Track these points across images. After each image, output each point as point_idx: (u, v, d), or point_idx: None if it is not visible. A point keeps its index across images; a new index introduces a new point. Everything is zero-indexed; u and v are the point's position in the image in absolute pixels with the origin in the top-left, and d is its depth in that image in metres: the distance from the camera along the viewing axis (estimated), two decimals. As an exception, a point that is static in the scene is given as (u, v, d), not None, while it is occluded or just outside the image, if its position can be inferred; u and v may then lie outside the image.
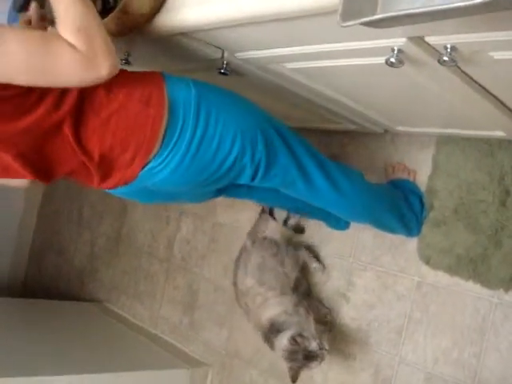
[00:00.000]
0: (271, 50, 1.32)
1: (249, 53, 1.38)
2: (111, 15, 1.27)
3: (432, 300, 1.83)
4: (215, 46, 1.39)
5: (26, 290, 3.71)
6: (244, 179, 1.40)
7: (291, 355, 1.81)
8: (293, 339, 1.80)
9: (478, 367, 1.72)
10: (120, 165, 1.27)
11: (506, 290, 1.70)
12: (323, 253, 2.13)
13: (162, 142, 1.24)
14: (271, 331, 1.88)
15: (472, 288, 1.76)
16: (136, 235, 3.05)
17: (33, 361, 2.18)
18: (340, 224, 2.07)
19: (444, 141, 1.89)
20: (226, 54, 1.42)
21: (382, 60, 1.08)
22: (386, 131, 1.99)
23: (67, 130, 1.18)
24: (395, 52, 1.05)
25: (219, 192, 1.59)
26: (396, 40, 1.05)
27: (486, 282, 1.74)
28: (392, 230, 1.91)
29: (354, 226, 2.06)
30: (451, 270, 1.81)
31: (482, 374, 1.71)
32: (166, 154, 1.25)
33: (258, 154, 1.34)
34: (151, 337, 2.76)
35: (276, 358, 2.18)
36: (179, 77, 1.32)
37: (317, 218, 2.09)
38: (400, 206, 1.84)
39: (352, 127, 1.98)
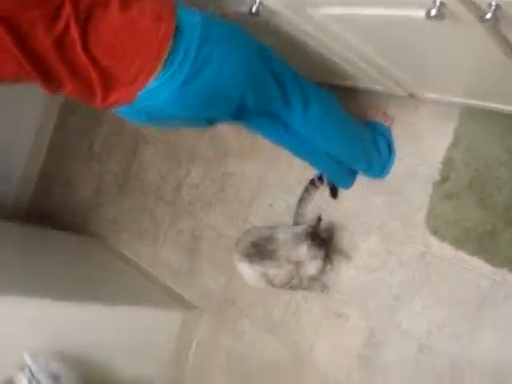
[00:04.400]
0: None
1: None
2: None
3: (434, 271, 1.82)
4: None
5: (28, 216, 3.72)
6: (239, 104, 1.50)
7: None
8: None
9: (472, 344, 1.72)
10: (123, 81, 1.31)
11: (511, 269, 1.69)
12: (330, 210, 2.12)
13: (166, 62, 1.29)
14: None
15: (476, 264, 1.74)
16: (145, 175, 3.04)
17: (26, 283, 2.19)
18: (343, 180, 2.08)
19: (468, 113, 1.85)
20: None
21: (422, 13, 1.04)
22: (411, 96, 1.94)
23: (75, 34, 1.22)
24: (437, 4, 1.01)
25: (213, 121, 1.68)
26: (440, -8, 1.00)
27: (491, 260, 1.72)
28: (354, 162, 1.99)
29: (366, 188, 2.04)
30: (457, 244, 1.79)
31: (475, 351, 1.71)
32: (167, 75, 1.30)
33: (255, 80, 1.47)
34: (149, 276, 2.77)
35: (271, 308, 2.21)
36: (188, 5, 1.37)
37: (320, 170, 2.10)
38: (366, 141, 1.94)
39: (377, 88, 1.94)
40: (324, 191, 2.15)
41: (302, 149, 1.91)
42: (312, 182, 2.17)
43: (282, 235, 1.96)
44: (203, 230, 2.63)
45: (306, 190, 2.19)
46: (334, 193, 2.13)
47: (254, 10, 1.41)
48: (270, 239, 1.95)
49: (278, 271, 1.93)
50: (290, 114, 1.66)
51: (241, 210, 2.46)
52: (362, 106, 2.11)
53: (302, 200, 2.19)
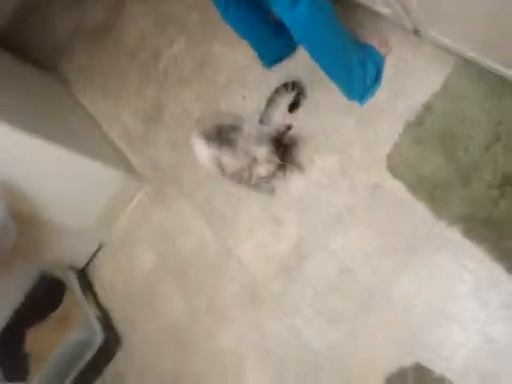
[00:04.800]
0: None
1: None
2: None
3: (379, 205, 1.85)
4: None
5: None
6: None
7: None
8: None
9: (390, 282, 1.78)
10: None
11: (450, 225, 1.73)
12: (300, 121, 2.09)
13: None
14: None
15: (421, 210, 1.77)
16: (126, 32, 2.92)
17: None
18: None
19: (464, 65, 1.81)
20: None
21: None
22: (414, 32, 1.89)
23: None
24: None
25: None
26: None
27: (436, 211, 1.75)
28: (335, 77, 1.93)
29: (342, 107, 2.02)
30: (410, 186, 1.81)
31: (390, 289, 1.77)
32: None
33: None
34: (102, 132, 2.72)
35: (213, 196, 2.21)
36: None
37: None
38: (353, 59, 1.87)
39: (384, 11, 1.88)
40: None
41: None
42: (284, 85, 2.15)
43: (247, 128, 1.93)
44: (169, 102, 2.57)
45: (277, 91, 2.17)
46: (293, 106, 2.13)
47: None
48: (234, 128, 1.92)
49: (232, 161, 1.92)
50: None
51: (212, 93, 2.41)
52: (363, 26, 2.06)
53: (271, 100, 2.18)
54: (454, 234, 1.70)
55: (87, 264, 2.54)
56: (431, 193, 1.78)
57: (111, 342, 2.26)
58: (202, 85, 2.49)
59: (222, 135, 1.90)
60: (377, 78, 1.98)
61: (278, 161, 1.90)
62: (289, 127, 1.94)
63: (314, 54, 1.82)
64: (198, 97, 2.47)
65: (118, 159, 2.53)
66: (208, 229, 2.21)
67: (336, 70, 1.90)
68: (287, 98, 2.16)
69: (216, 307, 2.08)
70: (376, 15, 2.00)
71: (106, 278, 2.48)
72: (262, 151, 1.88)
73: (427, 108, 1.87)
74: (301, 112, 2.13)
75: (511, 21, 1.33)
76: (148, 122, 2.62)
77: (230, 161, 1.91)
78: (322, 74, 1.91)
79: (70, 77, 3.10)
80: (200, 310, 2.12)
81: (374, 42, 2.01)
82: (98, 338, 2.18)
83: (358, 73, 1.92)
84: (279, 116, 2.16)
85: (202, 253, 2.19)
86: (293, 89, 2.14)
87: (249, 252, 2.07)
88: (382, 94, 1.97)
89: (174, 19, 2.75)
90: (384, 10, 1.88)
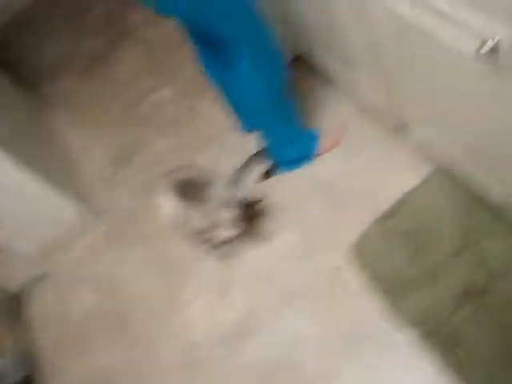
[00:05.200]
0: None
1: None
2: None
3: (335, 292, 1.80)
4: None
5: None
6: None
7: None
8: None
9: (333, 375, 1.71)
10: None
11: (403, 327, 1.68)
12: (275, 191, 2.07)
13: None
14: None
15: (375, 306, 1.73)
16: (118, 68, 2.94)
17: None
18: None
19: (443, 172, 1.84)
20: None
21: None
22: (400, 128, 1.92)
23: None
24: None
25: None
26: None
27: (391, 310, 1.72)
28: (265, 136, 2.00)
29: (318, 187, 2.00)
30: (369, 279, 1.77)
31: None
32: None
33: None
34: (70, 161, 2.64)
35: (167, 245, 2.14)
36: None
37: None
38: (281, 131, 1.97)
39: (374, 102, 1.91)
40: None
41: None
42: (258, 153, 2.16)
43: (219, 189, 1.89)
44: (144, 146, 2.53)
45: (253, 157, 2.17)
46: (266, 174, 2.13)
47: None
48: (205, 186, 1.88)
49: (196, 218, 1.86)
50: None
51: (189, 146, 2.38)
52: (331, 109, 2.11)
53: (245, 164, 2.18)
54: (405, 338, 1.66)
55: (23, 291, 2.39)
56: (389, 290, 1.74)
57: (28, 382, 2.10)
58: (180, 136, 2.46)
59: (192, 191, 1.85)
60: (298, 160, 2.06)
61: (241, 228, 1.86)
62: (260, 200, 1.91)
63: (248, 112, 1.95)
64: (174, 147, 2.44)
65: (79, 192, 2.44)
66: (157, 281, 2.12)
67: (266, 131, 1.97)
68: (262, 166, 2.15)
69: (151, 363, 1.96)
70: (362, 109, 2.05)
71: (40, 310, 2.33)
72: (228, 215, 1.84)
73: (400, 205, 1.86)
74: (275, 181, 2.11)
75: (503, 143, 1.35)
76: (119, 161, 2.56)
77: (194, 218, 1.86)
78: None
79: (51, 101, 3.04)
80: (134, 364, 1.99)
81: (329, 131, 2.08)
82: (13, 374, 2.02)
83: (283, 143, 2.00)
84: (251, 181, 2.14)
85: (146, 304, 2.09)
86: (264, 157, 2.14)
87: (195, 313, 1.98)
88: (359, 182, 1.97)
89: (168, 67, 2.76)
90: (374, 100, 1.91)
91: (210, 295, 1.99)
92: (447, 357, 1.60)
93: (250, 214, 1.92)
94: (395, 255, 1.79)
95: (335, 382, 1.68)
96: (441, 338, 1.63)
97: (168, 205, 1.88)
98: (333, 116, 2.17)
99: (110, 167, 2.57)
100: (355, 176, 1.99)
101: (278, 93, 1.86)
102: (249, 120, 2.13)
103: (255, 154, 2.17)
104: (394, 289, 1.74)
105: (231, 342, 1.87)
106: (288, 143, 2.02)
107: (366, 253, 1.83)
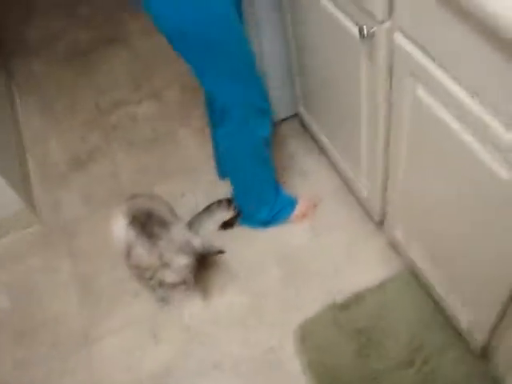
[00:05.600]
0: None
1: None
2: None
3: (266, 373, 1.66)
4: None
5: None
6: None
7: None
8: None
9: None
10: None
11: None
12: (233, 245, 1.93)
13: None
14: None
15: None
16: (102, 66, 2.76)
17: None
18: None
19: (409, 276, 1.76)
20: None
21: None
22: (378, 222, 1.84)
23: None
24: None
25: None
26: None
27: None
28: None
29: (275, 257, 1.88)
30: (307, 367, 1.64)
31: None
32: None
33: None
34: (20, 148, 2.43)
35: (102, 269, 1.95)
36: None
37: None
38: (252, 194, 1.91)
39: (362, 194, 1.83)
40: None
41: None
42: (228, 200, 2.06)
43: (176, 231, 1.72)
44: (103, 156, 2.36)
45: (217, 204, 2.06)
46: (226, 224, 2.03)
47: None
48: (164, 224, 1.70)
49: (143, 254, 1.69)
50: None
51: (154, 173, 2.23)
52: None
53: (208, 209, 2.06)
54: None
55: None
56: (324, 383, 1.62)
57: None
58: (148, 158, 2.31)
59: (148, 224, 1.68)
60: (266, 222, 1.98)
61: (188, 277, 1.71)
62: (220, 252, 1.76)
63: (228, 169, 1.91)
64: (137, 167, 2.28)
65: (20, 184, 2.22)
66: (76, 305, 1.91)
67: (240, 184, 1.91)
68: (225, 215, 2.03)
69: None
70: (344, 189, 1.97)
71: None
72: (180, 261, 1.68)
73: (357, 299, 1.77)
74: (236, 237, 1.98)
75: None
76: (73, 164, 2.37)
77: (140, 253, 1.68)
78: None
79: (18, 79, 2.83)
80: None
81: (303, 200, 2.01)
82: None
83: (256, 200, 1.93)
84: (211, 228, 2.00)
85: (56, 326, 1.87)
86: (234, 208, 2.01)
87: (107, 351, 1.78)
88: (321, 263, 1.86)
89: (154, 82, 2.62)
90: (362, 191, 1.83)
91: (130, 337, 1.80)
92: None
93: (202, 264, 1.77)
94: (340, 349, 1.68)
95: None
96: None
97: (118, 230, 1.71)
98: (313, 186, 2.08)
99: (61, 167, 2.37)
100: (320, 255, 1.88)
101: (262, 153, 1.79)
102: (226, 168, 2.01)
103: (221, 201, 2.04)
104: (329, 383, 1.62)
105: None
106: (262, 202, 1.92)
107: (310, 338, 1.71)
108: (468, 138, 1.08)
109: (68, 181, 2.31)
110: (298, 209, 1.98)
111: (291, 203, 1.97)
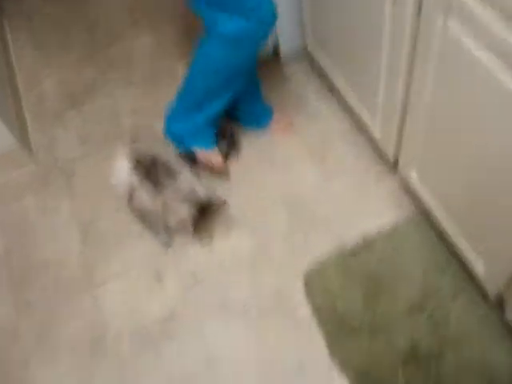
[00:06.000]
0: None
1: None
2: None
3: (275, 315, 1.63)
4: None
5: None
6: None
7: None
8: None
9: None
10: None
11: (341, 371, 1.53)
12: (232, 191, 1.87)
13: None
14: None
15: (316, 342, 1.57)
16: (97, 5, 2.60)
17: None
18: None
19: (422, 220, 1.72)
20: None
21: None
22: (393, 163, 1.78)
23: None
24: None
25: None
26: None
27: (332, 350, 1.55)
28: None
29: (282, 202, 1.83)
30: (317, 311, 1.61)
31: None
32: None
33: None
34: (13, 86, 2.31)
35: (104, 214, 1.89)
36: None
37: None
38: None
39: (376, 135, 1.76)
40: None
41: None
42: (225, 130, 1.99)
43: (182, 182, 1.65)
44: (102, 94, 2.26)
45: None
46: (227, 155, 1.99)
47: None
48: (169, 173, 1.65)
49: (146, 200, 1.64)
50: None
51: (156, 109, 2.10)
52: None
53: None
54: (339, 381, 1.52)
55: None
56: (335, 329, 1.59)
57: None
58: (145, 96, 2.20)
59: (153, 172, 1.62)
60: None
61: (192, 223, 1.65)
62: (223, 202, 1.70)
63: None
64: (136, 106, 2.19)
65: (15, 123, 2.12)
66: (77, 247, 1.85)
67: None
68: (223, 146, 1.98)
69: (46, 339, 1.70)
70: (356, 130, 1.90)
71: None
72: (182, 211, 1.62)
73: (367, 243, 1.72)
74: (240, 181, 1.92)
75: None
76: (70, 101, 2.27)
77: (144, 198, 1.63)
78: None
79: (10, 15, 2.68)
80: (25, 333, 1.72)
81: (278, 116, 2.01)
82: None
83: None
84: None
85: (56, 270, 1.82)
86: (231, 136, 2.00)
87: (111, 295, 1.74)
88: (329, 207, 1.81)
89: (157, 14, 2.49)
90: (376, 132, 1.76)
91: (134, 280, 1.76)
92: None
93: (206, 210, 1.71)
94: (350, 295, 1.64)
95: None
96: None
97: (121, 174, 1.64)
98: (322, 128, 2.01)
99: (57, 105, 2.27)
100: (328, 199, 1.83)
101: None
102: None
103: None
104: (340, 329, 1.59)
105: (145, 340, 1.64)
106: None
107: (319, 283, 1.67)
108: (505, 77, 1.01)
109: (64, 120, 2.22)
110: (275, 120, 2.00)
111: (269, 110, 2.00)
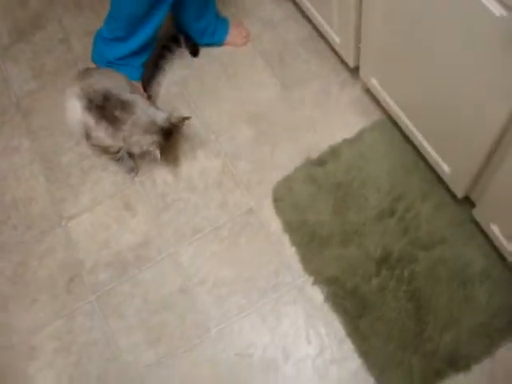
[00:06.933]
0: None
1: None
2: None
3: (248, 233, 1.65)
4: None
5: None
6: None
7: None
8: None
9: (232, 320, 1.58)
10: None
11: (315, 283, 1.56)
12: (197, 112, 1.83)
13: None
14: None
15: (290, 255, 1.60)
16: None
17: None
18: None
19: (387, 125, 1.71)
20: None
21: None
22: (353, 69, 1.74)
23: None
24: None
25: None
26: None
27: (305, 262, 1.59)
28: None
29: (247, 119, 1.79)
30: (287, 225, 1.64)
31: (230, 328, 1.57)
32: None
33: None
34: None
35: (62, 149, 1.85)
36: None
37: None
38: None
39: (335, 39, 1.70)
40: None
41: None
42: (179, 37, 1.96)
43: (139, 114, 1.57)
44: (49, 23, 2.14)
45: (171, 41, 1.97)
46: (194, 51, 1.97)
47: None
48: (124, 107, 1.56)
49: (105, 137, 1.58)
50: None
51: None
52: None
53: (167, 49, 1.98)
54: (315, 294, 1.56)
55: None
56: (307, 241, 1.61)
57: None
58: (94, 17, 2.07)
59: (107, 108, 1.55)
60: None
61: (158, 155, 1.60)
62: (185, 118, 1.64)
63: None
64: (87, 30, 2.06)
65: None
66: (44, 184, 1.82)
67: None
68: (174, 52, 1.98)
69: (21, 279, 1.70)
70: (316, 36, 1.83)
71: None
72: (145, 141, 1.58)
73: (333, 152, 1.71)
74: (199, 100, 1.87)
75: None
76: (17, 33, 2.15)
77: (102, 136, 1.57)
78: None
79: None
80: (1, 275, 1.72)
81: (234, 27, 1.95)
82: None
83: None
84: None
85: (25, 208, 1.80)
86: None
87: (83, 228, 1.74)
88: (293, 118, 1.78)
89: None
90: (334, 37, 1.70)
91: (103, 212, 1.75)
92: (351, 325, 1.51)
93: (170, 134, 1.66)
94: (319, 205, 1.65)
95: (235, 327, 1.56)
96: (348, 304, 1.53)
97: (73, 113, 1.57)
98: (281, 36, 1.95)
99: (3, 39, 2.15)
100: (292, 110, 1.80)
101: None
102: None
103: (176, 37, 1.96)
104: (312, 241, 1.61)
105: (119, 268, 1.66)
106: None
107: (288, 197, 1.68)
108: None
109: (13, 53, 2.11)
110: (231, 33, 1.94)
111: (225, 23, 1.95)
